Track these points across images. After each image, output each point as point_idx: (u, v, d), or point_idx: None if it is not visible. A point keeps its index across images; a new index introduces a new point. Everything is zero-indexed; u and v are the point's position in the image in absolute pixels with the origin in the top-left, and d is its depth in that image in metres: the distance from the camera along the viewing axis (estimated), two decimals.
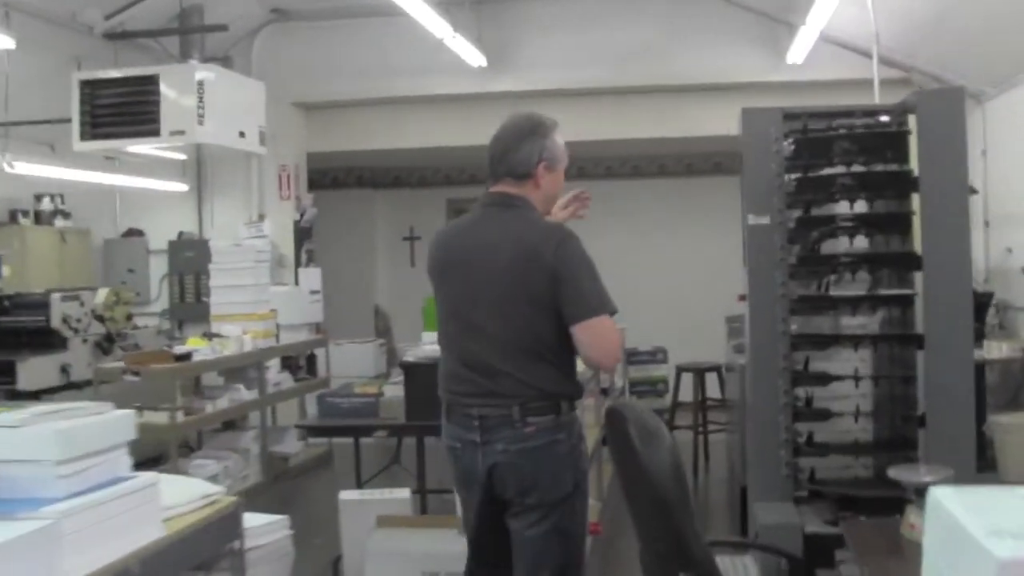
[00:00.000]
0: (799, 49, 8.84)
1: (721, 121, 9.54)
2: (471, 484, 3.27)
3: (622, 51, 9.40)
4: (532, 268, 3.11)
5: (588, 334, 3.09)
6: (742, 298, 5.16)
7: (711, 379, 8.65)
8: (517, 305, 3.14)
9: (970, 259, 4.51)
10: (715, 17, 9.34)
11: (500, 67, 9.41)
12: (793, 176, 4.83)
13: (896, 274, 4.74)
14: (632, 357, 9.32)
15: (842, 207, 4.83)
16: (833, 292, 4.73)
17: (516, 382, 3.13)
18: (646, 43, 9.41)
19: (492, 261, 3.19)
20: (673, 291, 11.18)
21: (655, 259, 11.42)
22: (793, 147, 4.81)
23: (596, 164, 11.59)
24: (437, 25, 7.95)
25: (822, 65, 8.90)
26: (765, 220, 4.84)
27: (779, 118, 4.82)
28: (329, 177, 12.17)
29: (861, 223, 4.72)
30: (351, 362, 9.53)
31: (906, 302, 4.66)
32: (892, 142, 4.61)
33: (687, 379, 8.57)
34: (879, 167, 4.73)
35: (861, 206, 4.81)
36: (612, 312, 3.13)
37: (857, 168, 4.75)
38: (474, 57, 9.05)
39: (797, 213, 4.85)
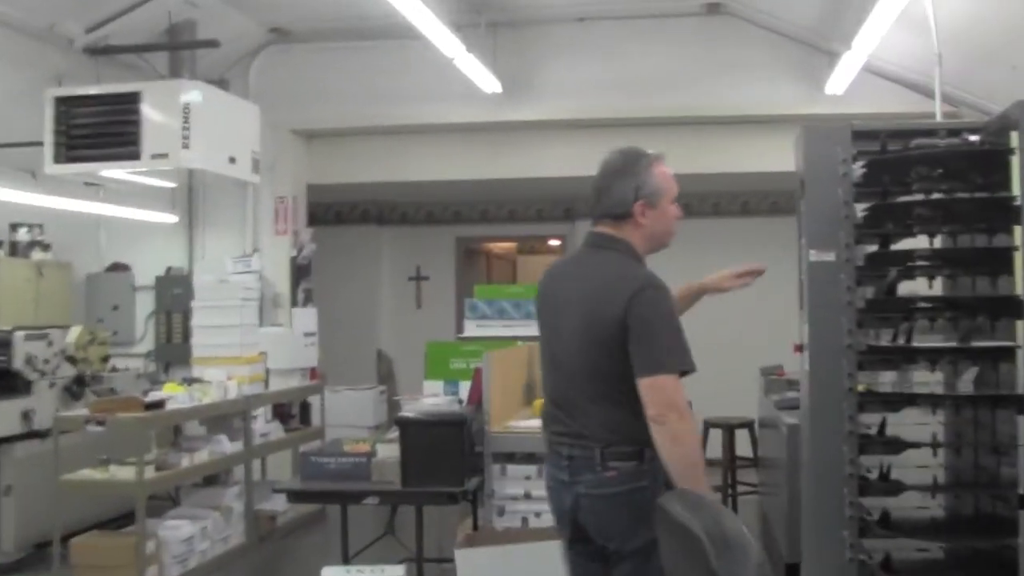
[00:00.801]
0: (839, 79, 8.19)
1: (755, 157, 9.00)
2: (562, 523, 3.32)
3: (648, 79, 8.71)
4: (604, 314, 3.09)
5: (647, 390, 3.01)
6: (799, 348, 4.44)
7: (741, 435, 7.94)
8: (590, 350, 3.15)
9: None
10: (748, 44, 8.66)
11: (516, 94, 8.73)
12: (864, 205, 4.12)
13: (988, 323, 4.00)
14: None
15: (920, 242, 4.12)
16: (916, 343, 3.98)
17: (598, 424, 3.15)
18: (673, 71, 8.74)
19: (575, 303, 3.22)
20: (702, 338, 10.37)
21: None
22: (864, 171, 4.10)
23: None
24: (450, 44, 7.30)
25: (864, 97, 8.21)
26: (830, 256, 4.13)
27: (847, 136, 4.11)
28: (331, 211, 11.50)
29: (946, 260, 4.01)
30: (349, 411, 8.86)
31: (1001, 356, 3.92)
32: (990, 163, 3.89)
33: (715, 435, 7.84)
34: (965, 195, 4.02)
35: (943, 241, 4.11)
36: (681, 371, 3.04)
37: (938, 195, 4.04)
38: (488, 83, 8.39)
39: (868, 248, 4.13)
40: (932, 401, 4.12)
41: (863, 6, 6.83)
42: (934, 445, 4.12)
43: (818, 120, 8.35)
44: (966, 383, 4.07)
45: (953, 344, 4.00)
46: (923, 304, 4.03)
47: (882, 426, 4.04)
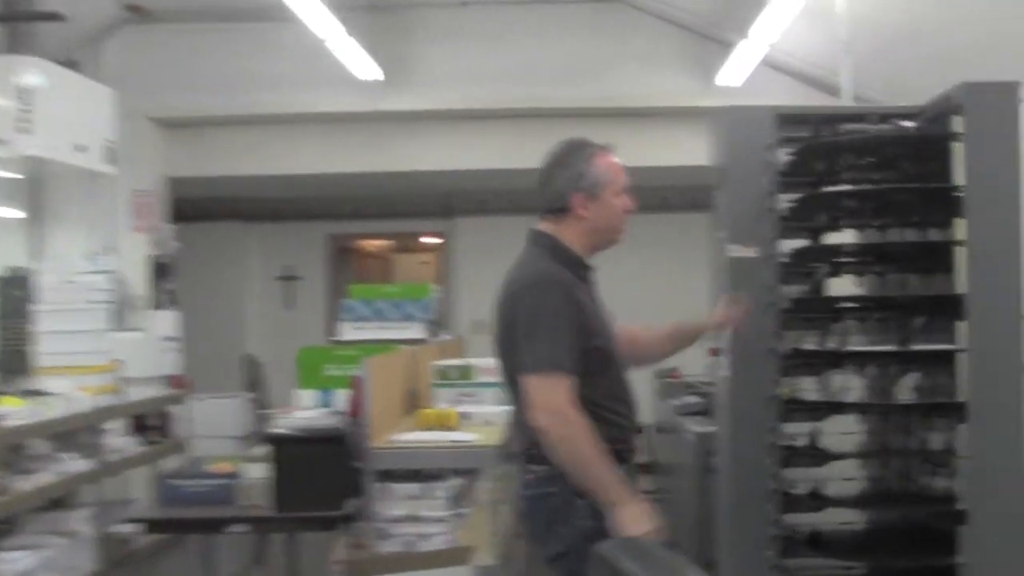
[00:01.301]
0: (735, 71, 7.90)
1: (650, 151, 8.62)
2: None
3: (536, 68, 8.30)
4: (504, 317, 3.06)
5: (526, 393, 2.92)
6: (715, 352, 4.06)
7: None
8: (504, 354, 3.10)
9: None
10: (641, 33, 8.33)
11: (396, 82, 8.22)
12: (791, 197, 3.76)
13: (926, 324, 3.67)
14: None
15: (847, 236, 3.78)
16: (848, 347, 3.62)
17: (520, 427, 3.10)
18: (562, 60, 8.36)
19: (496, 309, 3.14)
20: None
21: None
22: (791, 158, 3.74)
23: (526, 197, 10.44)
24: (324, 25, 6.78)
25: (761, 91, 7.91)
26: (751, 252, 3.75)
27: (771, 121, 3.74)
28: (195, 207, 10.79)
29: (879, 256, 3.67)
30: (215, 420, 8.21)
31: (939, 360, 3.59)
32: (928, 151, 3.56)
33: None
34: (898, 185, 3.68)
35: (871, 235, 3.76)
36: (550, 371, 2.88)
37: (871, 185, 3.70)
38: (366, 69, 7.87)
39: (795, 243, 3.77)
40: (861, 409, 3.78)
41: None
42: (865, 456, 3.78)
43: (710, 112, 8.13)
44: (902, 389, 3.71)
45: (885, 347, 3.65)
46: (853, 304, 3.67)
47: (812, 437, 3.67)
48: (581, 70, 8.35)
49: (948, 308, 3.44)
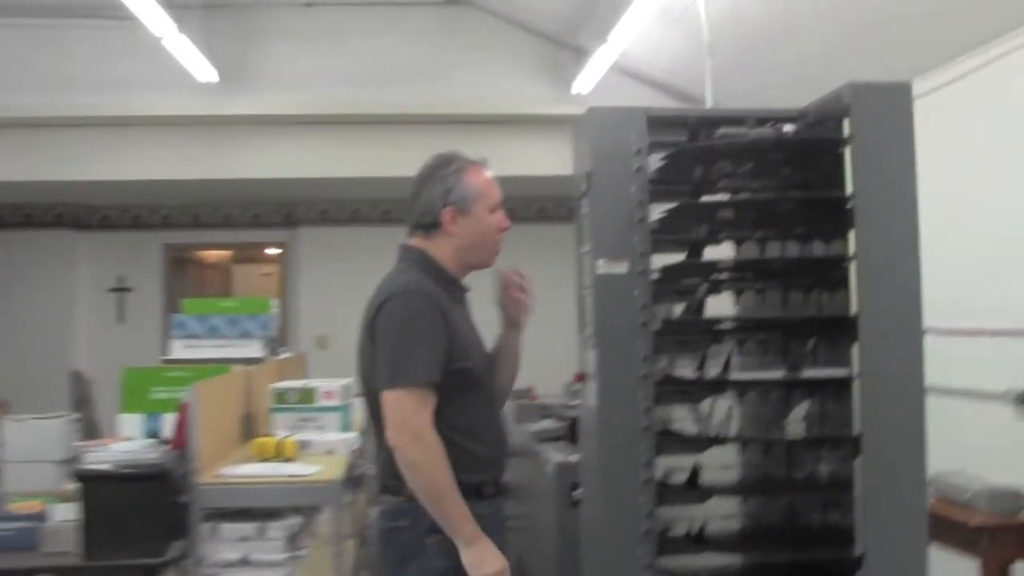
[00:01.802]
0: (587, 78, 7.58)
1: (502, 160, 8.19)
2: None
3: (383, 73, 7.84)
4: (365, 333, 2.81)
5: (384, 410, 2.68)
6: (580, 378, 3.65)
7: None
8: (364, 374, 2.84)
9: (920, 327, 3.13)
10: (492, 38, 7.99)
11: (234, 84, 7.67)
12: (665, 207, 3.37)
13: (816, 347, 3.32)
14: None
15: (725, 250, 3.42)
16: (730, 373, 3.24)
17: (376, 453, 2.86)
18: (410, 65, 7.90)
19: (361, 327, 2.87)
20: None
21: None
22: (666, 164, 3.36)
23: (372, 207, 9.93)
24: (158, 23, 6.19)
25: (615, 99, 7.57)
26: (621, 268, 3.34)
27: (642, 122, 3.34)
28: (19, 213, 9.97)
29: (765, 272, 3.31)
30: (35, 443, 7.44)
31: (829, 388, 3.25)
32: (818, 156, 3.21)
33: None
34: (775, 194, 3.33)
35: (754, 249, 3.40)
36: (411, 386, 2.66)
37: (750, 194, 3.34)
38: (203, 70, 7.28)
39: (670, 258, 3.38)
40: (745, 441, 3.41)
41: (616, 2, 6.23)
42: (749, 492, 3.42)
43: (564, 120, 7.77)
44: (790, 419, 3.35)
45: (771, 374, 3.28)
46: (735, 325, 3.30)
47: (692, 474, 3.28)
48: (429, 75, 7.93)
49: (841, 329, 3.09)
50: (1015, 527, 4.16)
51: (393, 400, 2.64)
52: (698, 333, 3.36)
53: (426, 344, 2.67)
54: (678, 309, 3.44)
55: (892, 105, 3.15)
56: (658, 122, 3.37)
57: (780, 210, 3.26)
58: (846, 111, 3.11)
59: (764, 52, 6.39)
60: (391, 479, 2.73)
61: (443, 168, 2.88)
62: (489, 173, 2.93)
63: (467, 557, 2.62)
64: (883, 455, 3.04)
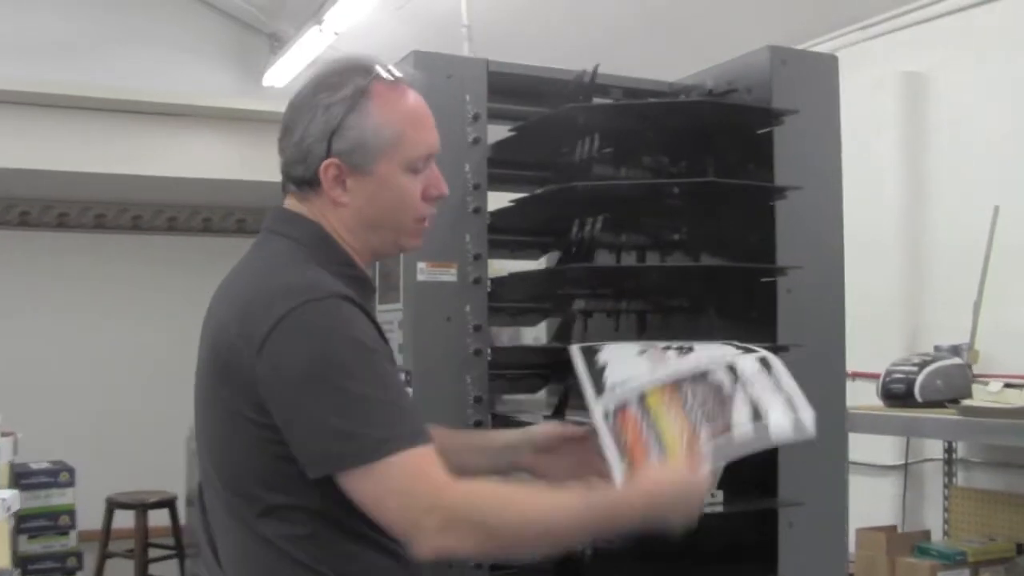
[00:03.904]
0: (284, 68, 6.49)
1: (182, 159, 6.88)
2: None
3: (31, 47, 6.35)
4: (229, 363, 1.50)
5: (371, 490, 1.45)
6: None
7: (158, 516, 5.84)
8: (216, 423, 1.56)
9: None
10: (171, 17, 6.67)
11: None
12: (513, 196, 2.41)
13: None
14: (24, 479, 6.09)
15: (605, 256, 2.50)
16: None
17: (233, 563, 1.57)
18: (67, 40, 6.45)
19: (204, 340, 1.59)
20: (94, 390, 7.85)
21: (82, 345, 7.81)
22: (516, 137, 2.40)
23: (8, 208, 8.07)
24: None
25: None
26: (449, 274, 2.33)
27: (481, 78, 2.34)
28: None
29: (654, 283, 2.41)
30: None
31: None
32: (727, 133, 2.34)
33: (122, 517, 5.71)
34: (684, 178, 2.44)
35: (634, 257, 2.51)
36: (406, 446, 1.44)
37: (633, 179, 2.44)
38: None
39: (523, 264, 2.42)
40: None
41: None
42: None
43: (253, 117, 6.62)
44: None
45: None
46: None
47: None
48: (91, 54, 6.50)
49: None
50: None
51: (378, 482, 1.46)
52: (559, 362, 2.42)
53: (391, 375, 1.55)
54: (530, 335, 2.49)
55: (820, 79, 2.36)
56: (504, 83, 2.40)
57: (672, 203, 2.37)
58: (768, 81, 2.29)
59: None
60: None
61: (332, 88, 1.61)
62: (415, 99, 1.67)
63: (682, 490, 1.56)
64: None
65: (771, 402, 1.62)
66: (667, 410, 1.70)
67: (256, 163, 6.72)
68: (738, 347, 1.81)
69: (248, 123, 6.61)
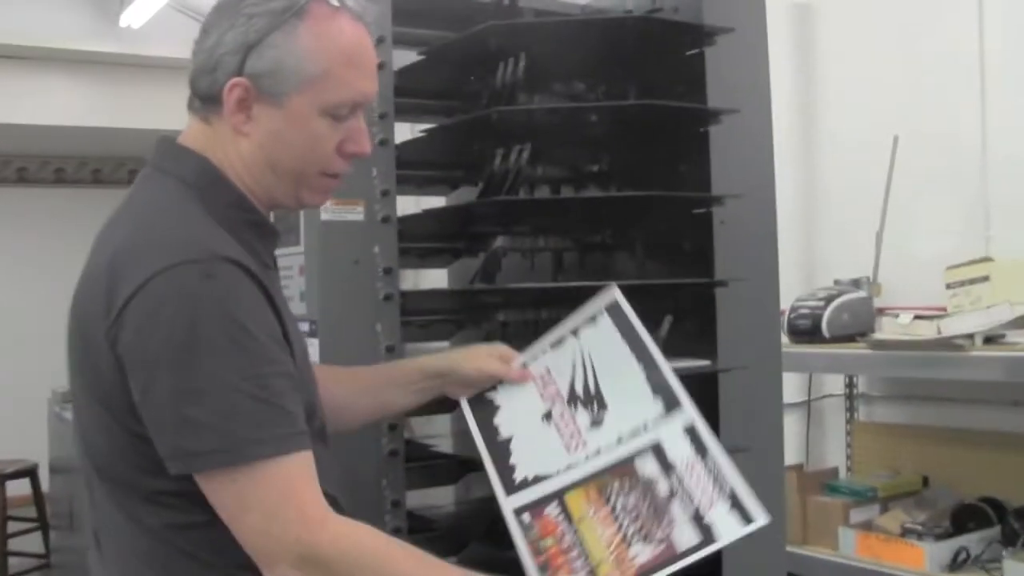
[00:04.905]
0: (141, 8, 6.04)
1: (24, 109, 6.44)
2: None
3: None
4: (89, 334, 1.29)
5: (230, 501, 1.24)
6: None
7: (18, 486, 5.45)
8: (83, 407, 1.35)
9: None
10: None
11: None
12: (423, 127, 2.18)
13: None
14: None
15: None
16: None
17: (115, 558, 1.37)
18: None
19: (74, 303, 1.35)
20: None
21: None
22: (425, 61, 2.17)
23: None
24: None
25: (169, 36, 6.08)
26: (356, 213, 2.09)
27: (386, 8, 2.09)
28: None
29: (581, 221, 2.21)
30: None
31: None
32: (668, 54, 2.14)
33: None
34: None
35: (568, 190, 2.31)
36: (273, 454, 1.23)
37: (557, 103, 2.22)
38: None
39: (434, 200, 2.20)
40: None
41: None
42: None
43: (108, 60, 6.20)
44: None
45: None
46: (539, 294, 2.17)
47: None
48: None
49: (700, 306, 2.07)
50: None
51: (239, 493, 1.25)
52: (478, 311, 2.21)
53: (275, 363, 1.30)
54: (444, 276, 2.28)
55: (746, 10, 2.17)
56: (410, 3, 2.15)
57: (603, 130, 2.16)
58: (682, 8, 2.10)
59: None
60: None
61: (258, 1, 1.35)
62: (356, 34, 1.41)
63: None
64: None
65: (713, 499, 1.42)
66: (592, 515, 1.49)
67: (112, 110, 6.32)
68: (655, 387, 1.57)
69: (103, 66, 6.19)
